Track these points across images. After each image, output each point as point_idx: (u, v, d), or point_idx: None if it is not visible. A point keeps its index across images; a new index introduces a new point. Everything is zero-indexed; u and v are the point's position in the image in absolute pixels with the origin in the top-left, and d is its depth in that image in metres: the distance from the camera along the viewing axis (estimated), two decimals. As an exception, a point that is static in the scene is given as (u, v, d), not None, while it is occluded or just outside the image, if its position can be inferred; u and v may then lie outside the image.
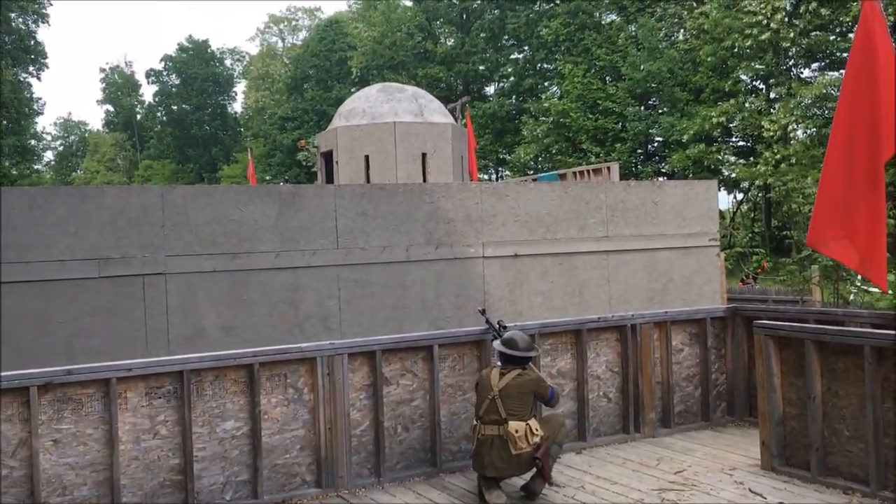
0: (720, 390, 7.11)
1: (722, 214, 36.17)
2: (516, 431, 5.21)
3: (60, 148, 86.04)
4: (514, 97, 45.12)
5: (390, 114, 13.70)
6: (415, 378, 5.90)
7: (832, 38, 30.00)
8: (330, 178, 14.26)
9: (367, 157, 13.54)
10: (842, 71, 29.92)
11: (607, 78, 37.36)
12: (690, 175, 31.30)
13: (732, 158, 34.34)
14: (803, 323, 5.51)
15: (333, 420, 5.51)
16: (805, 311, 6.19)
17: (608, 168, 14.74)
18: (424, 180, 13.51)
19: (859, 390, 4.29)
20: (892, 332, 4.23)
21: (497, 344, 5.63)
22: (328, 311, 9.52)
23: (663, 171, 35.58)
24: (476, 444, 5.42)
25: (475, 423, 5.46)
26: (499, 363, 5.63)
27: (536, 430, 5.30)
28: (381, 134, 13.46)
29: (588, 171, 15.34)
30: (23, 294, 7.92)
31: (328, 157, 14.30)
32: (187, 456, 5.16)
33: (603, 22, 38.80)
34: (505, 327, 5.99)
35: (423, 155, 13.62)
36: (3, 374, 4.69)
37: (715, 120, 28.84)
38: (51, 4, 49.78)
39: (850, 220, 5.16)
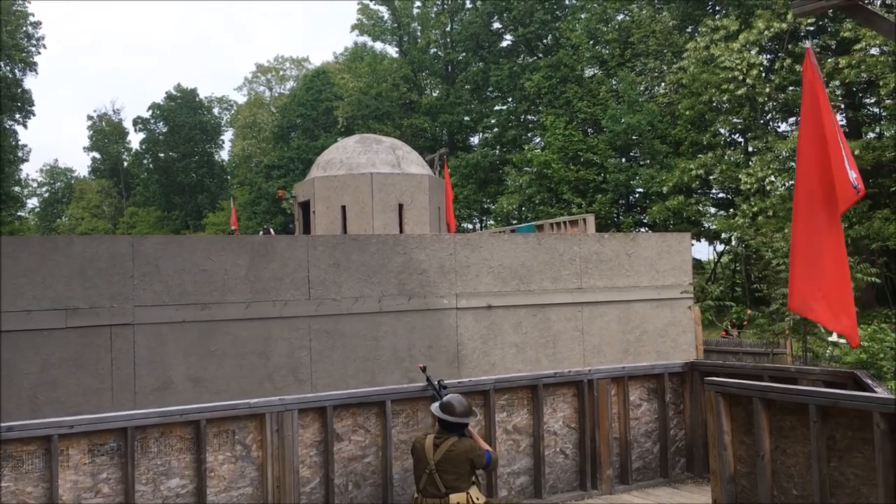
0: (679, 446, 7.08)
1: (702, 266, 36.37)
2: None
3: (46, 194, 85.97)
4: (497, 148, 45.63)
5: (367, 165, 13.82)
6: (367, 434, 5.84)
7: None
8: (308, 228, 14.30)
9: (343, 208, 13.62)
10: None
11: (589, 130, 37.89)
12: (671, 226, 31.57)
13: (713, 210, 34.71)
14: (758, 379, 5.51)
15: (282, 477, 5.41)
16: (760, 367, 6.20)
17: (584, 220, 14.87)
18: (401, 231, 13.58)
19: (806, 449, 4.27)
20: (836, 390, 4.25)
21: (434, 409, 5.54)
22: (299, 362, 9.47)
23: (644, 221, 35.89)
24: None
25: (416, 495, 5.37)
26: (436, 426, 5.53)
27: (477, 498, 5.25)
28: (358, 184, 13.56)
29: (565, 222, 15.48)
30: (-13, 344, 7.85)
31: (306, 206, 14.37)
32: None
33: (584, 76, 39.47)
34: (445, 387, 5.92)
35: (400, 206, 13.71)
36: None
37: (693, 172, 29.23)
38: (38, 53, 50.23)
39: (821, 278, 5.15)
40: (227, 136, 75.89)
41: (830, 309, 5.01)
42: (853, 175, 4.94)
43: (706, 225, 33.03)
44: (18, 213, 54.19)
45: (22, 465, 4.76)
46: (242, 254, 9.25)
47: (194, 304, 8.89)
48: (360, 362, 9.81)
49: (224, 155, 75.71)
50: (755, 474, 4.50)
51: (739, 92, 27.73)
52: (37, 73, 50.86)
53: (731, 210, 31.10)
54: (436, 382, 5.92)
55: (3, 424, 4.73)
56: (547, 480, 6.53)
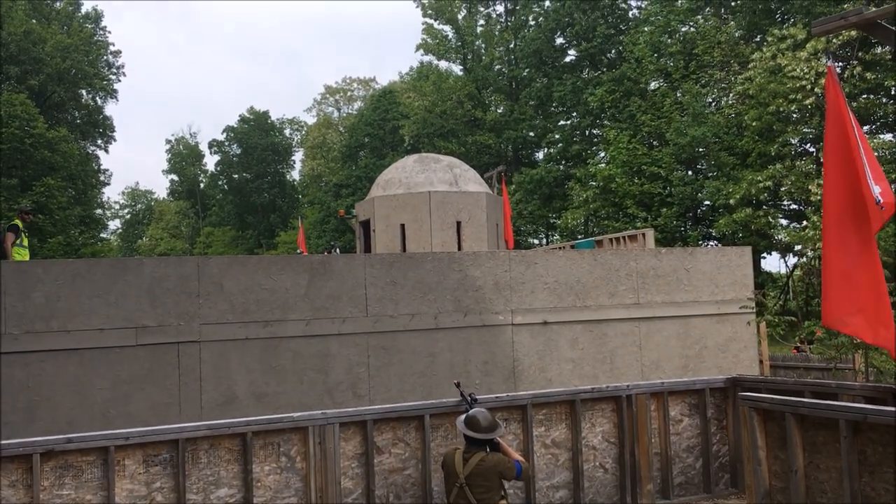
0: (723, 462, 7.02)
1: (773, 279, 35.44)
2: None
3: (128, 216, 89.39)
4: (562, 163, 45.54)
5: (426, 183, 14.08)
6: (407, 447, 5.98)
7: (885, 100, 29.70)
8: (368, 247, 14.63)
9: (402, 226, 13.89)
10: (893, 134, 29.55)
11: (654, 143, 37.52)
12: (740, 238, 30.94)
13: (784, 222, 33.85)
14: (799, 395, 5.47)
15: (325, 488, 5.60)
16: (802, 383, 6.12)
17: (643, 234, 14.81)
18: (459, 248, 13.77)
19: (838, 464, 4.25)
20: (865, 406, 4.23)
21: (460, 424, 5.62)
22: (357, 377, 9.73)
23: (712, 235, 35.26)
24: None
25: None
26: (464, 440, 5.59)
27: None
28: (416, 203, 13.83)
29: (624, 237, 15.43)
30: (64, 362, 8.33)
31: (366, 225, 14.71)
32: None
33: (648, 89, 39.12)
34: (476, 400, 6.01)
35: (458, 223, 13.91)
36: (6, 442, 4.97)
37: (762, 184, 28.59)
38: (119, 81, 52.47)
39: (856, 293, 5.13)
40: (298, 156, 77.63)
41: (867, 322, 4.98)
42: (877, 190, 4.90)
43: (777, 237, 32.23)
44: (101, 235, 56.41)
45: (82, 475, 5.08)
46: (302, 273, 9.57)
47: (256, 321, 9.24)
48: (417, 378, 10.01)
49: (295, 175, 77.41)
50: (789, 489, 4.50)
51: (808, 101, 27.08)
52: (117, 100, 53.20)
53: (804, 222, 30.31)
54: (468, 396, 6.02)
55: (63, 436, 5.07)
56: (586, 494, 6.55)
